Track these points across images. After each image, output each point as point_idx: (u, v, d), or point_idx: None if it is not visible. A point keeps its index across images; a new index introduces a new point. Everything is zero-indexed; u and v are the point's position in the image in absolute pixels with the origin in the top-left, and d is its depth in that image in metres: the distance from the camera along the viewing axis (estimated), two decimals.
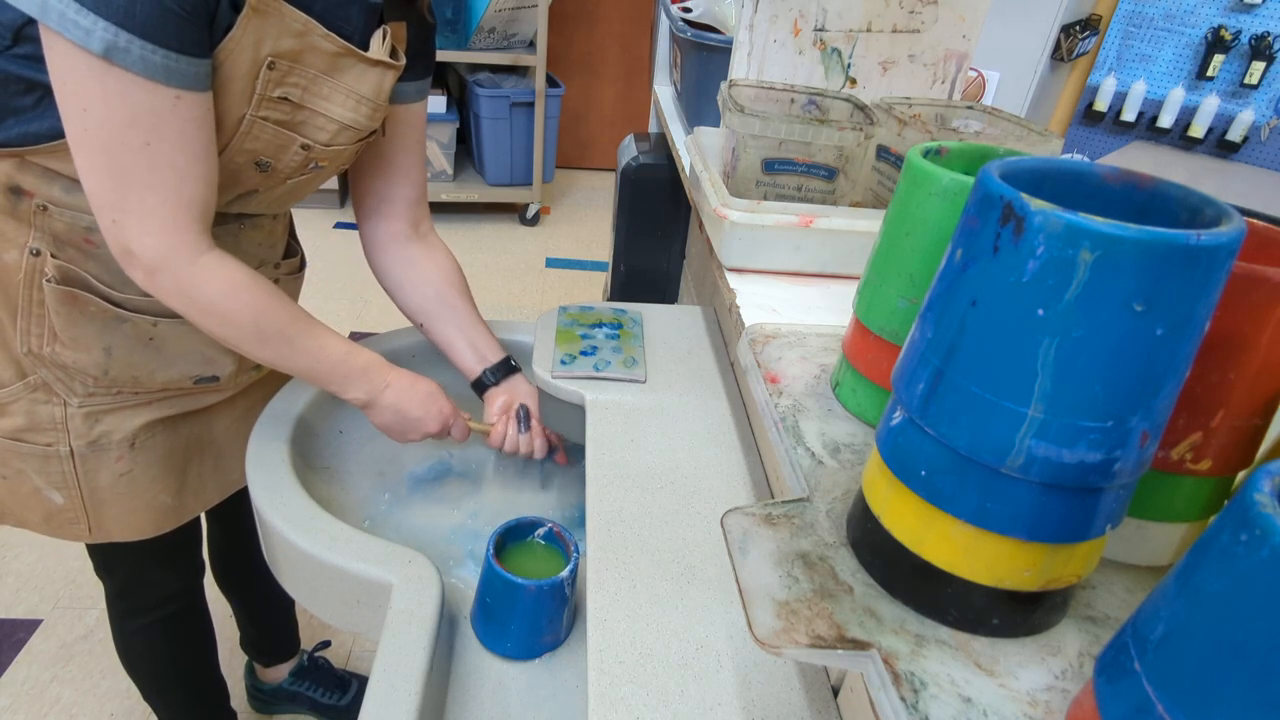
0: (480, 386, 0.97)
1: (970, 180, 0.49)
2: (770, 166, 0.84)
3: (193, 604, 1.12)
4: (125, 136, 0.64)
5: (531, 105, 3.05)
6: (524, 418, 0.94)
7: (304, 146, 0.76)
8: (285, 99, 0.71)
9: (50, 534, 0.92)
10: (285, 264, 0.96)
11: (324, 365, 0.82)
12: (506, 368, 0.97)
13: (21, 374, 0.81)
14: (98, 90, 0.61)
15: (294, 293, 1.00)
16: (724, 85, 0.90)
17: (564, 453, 0.99)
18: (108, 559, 1.00)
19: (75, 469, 0.86)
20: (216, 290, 0.72)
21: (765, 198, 0.86)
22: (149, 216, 0.67)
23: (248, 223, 0.86)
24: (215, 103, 0.68)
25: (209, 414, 0.95)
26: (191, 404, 0.91)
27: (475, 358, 0.96)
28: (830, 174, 0.85)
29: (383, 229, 0.95)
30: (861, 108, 0.88)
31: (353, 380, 0.84)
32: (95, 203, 0.67)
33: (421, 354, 1.08)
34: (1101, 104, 2.86)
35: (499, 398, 0.96)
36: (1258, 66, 2.54)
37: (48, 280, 0.76)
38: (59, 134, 0.67)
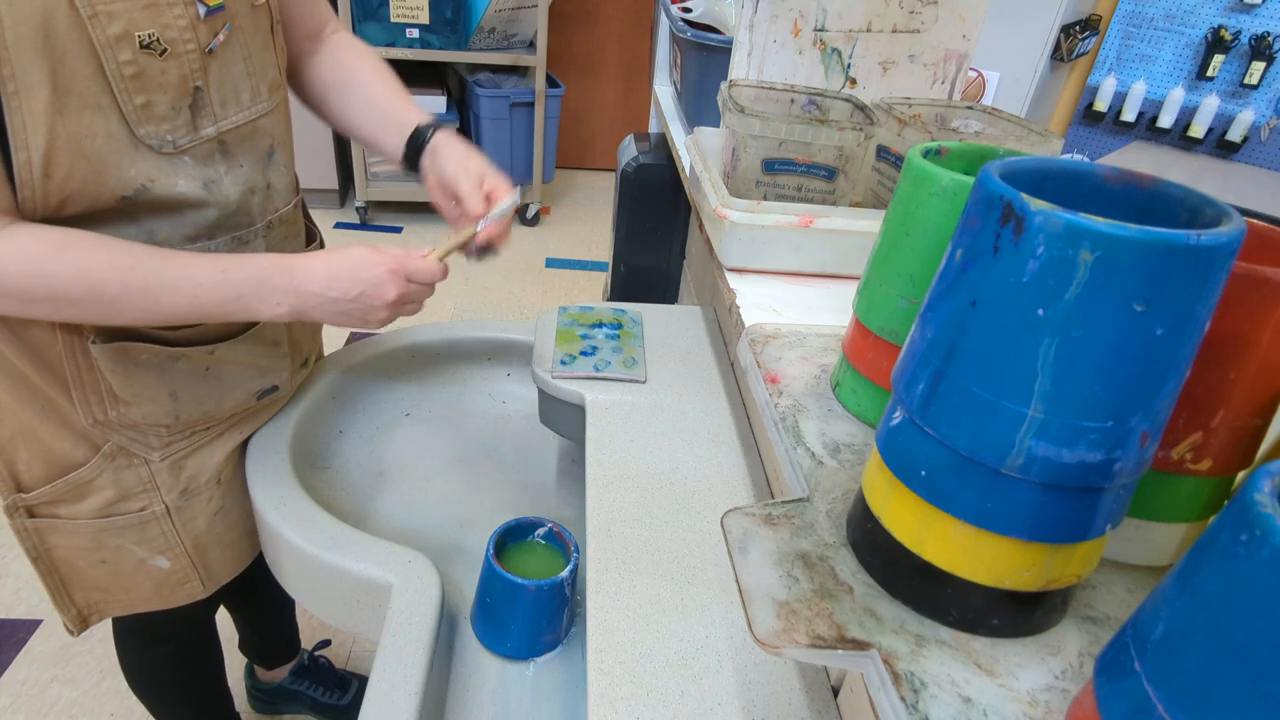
0: (413, 160, 0.83)
1: (970, 180, 0.49)
2: (770, 166, 0.84)
3: (209, 629, 1.11)
4: None
5: (531, 105, 3.05)
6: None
7: None
8: None
9: (161, 605, 0.88)
10: (309, 250, 0.89)
11: (205, 296, 0.66)
12: (435, 127, 0.83)
13: (95, 447, 0.77)
14: None
15: None
16: (724, 85, 0.90)
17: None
18: None
19: (174, 525, 0.83)
20: (20, 267, 0.60)
21: (765, 198, 0.86)
22: None
23: (276, 219, 0.79)
24: (19, 2, 0.55)
25: None
26: (260, 420, 0.89)
27: (395, 132, 0.83)
28: (830, 174, 0.85)
29: (291, 54, 0.84)
30: (861, 108, 0.88)
31: (255, 293, 0.68)
32: None
33: (421, 354, 1.08)
34: (1101, 104, 2.86)
35: (433, 170, 0.81)
36: (1258, 66, 2.54)
37: (92, 342, 0.70)
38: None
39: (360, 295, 0.71)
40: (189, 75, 0.65)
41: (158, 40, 0.62)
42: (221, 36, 0.67)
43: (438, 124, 0.83)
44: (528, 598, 0.70)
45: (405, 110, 0.84)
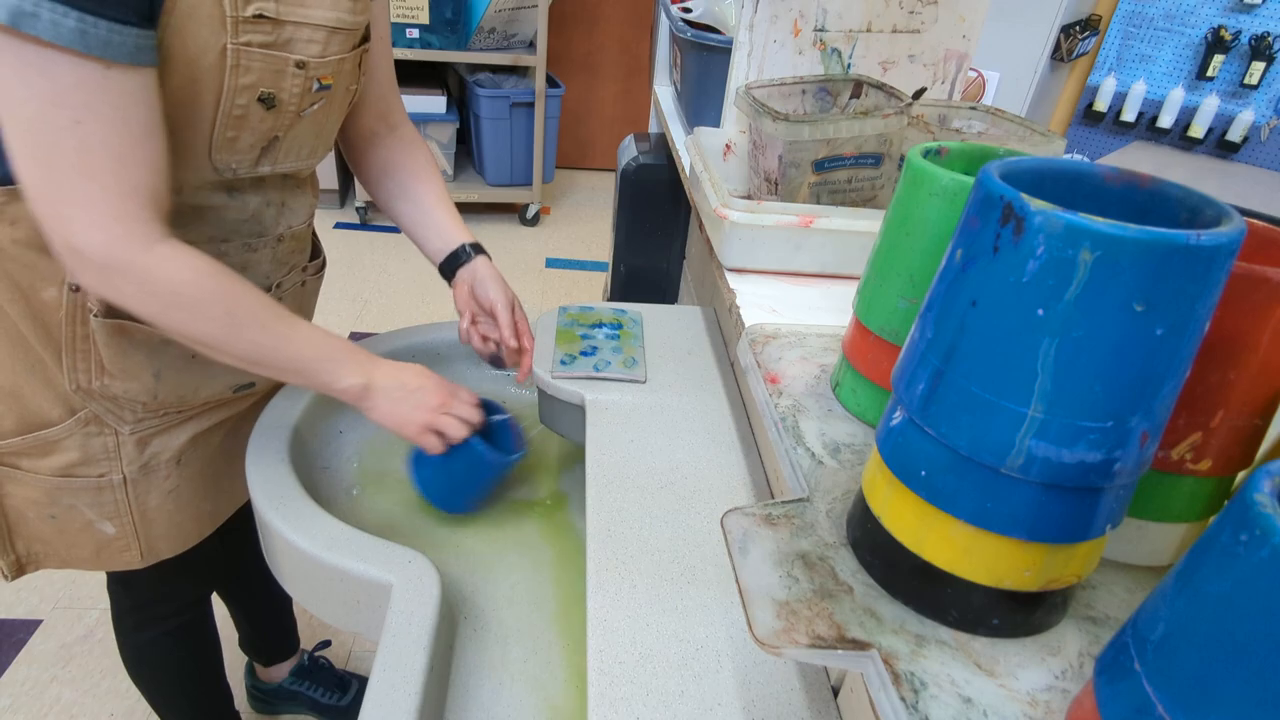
0: (449, 268, 0.96)
1: (970, 180, 0.49)
2: (821, 166, 0.83)
3: (205, 612, 1.12)
4: (50, 115, 0.58)
5: (531, 105, 3.05)
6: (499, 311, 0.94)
7: (299, 65, 0.70)
8: (262, 16, 0.65)
9: (99, 568, 0.90)
10: (311, 264, 0.95)
11: (309, 350, 0.75)
12: (474, 251, 0.95)
13: (71, 410, 0.79)
14: (12, 63, 0.56)
15: (315, 291, 0.99)
16: (739, 93, 0.89)
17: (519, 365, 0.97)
18: (127, 571, 0.97)
19: (128, 495, 0.85)
20: (179, 278, 0.67)
21: (819, 196, 0.85)
22: (89, 207, 0.61)
23: (287, 234, 0.84)
24: (189, 40, 0.62)
25: (239, 416, 0.94)
26: (228, 411, 0.91)
27: (437, 236, 0.95)
28: (877, 160, 0.84)
29: (355, 127, 0.93)
30: (878, 86, 0.88)
31: (343, 363, 0.78)
32: (30, 195, 0.62)
33: (421, 354, 1.08)
34: (1101, 104, 2.86)
35: (461, 285, 0.95)
36: (1258, 67, 2.54)
37: (94, 315, 0.73)
38: None
39: (419, 387, 0.83)
40: (277, 127, 0.73)
41: (272, 97, 0.70)
42: (316, 107, 0.75)
43: (479, 247, 0.97)
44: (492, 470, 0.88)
45: (453, 222, 0.97)
